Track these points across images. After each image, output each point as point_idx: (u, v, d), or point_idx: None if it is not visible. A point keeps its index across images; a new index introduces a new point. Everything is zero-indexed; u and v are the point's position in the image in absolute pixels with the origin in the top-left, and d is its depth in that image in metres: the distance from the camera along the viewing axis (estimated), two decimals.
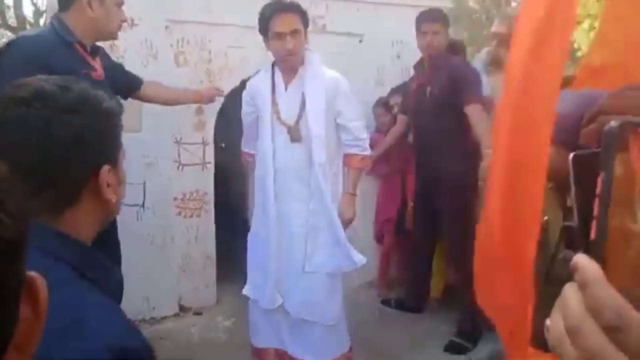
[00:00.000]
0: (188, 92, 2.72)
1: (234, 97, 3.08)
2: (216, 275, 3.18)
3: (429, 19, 2.82)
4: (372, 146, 3.37)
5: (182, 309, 3.10)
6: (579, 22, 9.15)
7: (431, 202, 2.91)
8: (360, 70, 3.38)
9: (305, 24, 2.18)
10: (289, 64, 2.19)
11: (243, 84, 3.08)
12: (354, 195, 2.33)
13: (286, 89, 2.23)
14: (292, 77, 2.21)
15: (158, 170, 2.95)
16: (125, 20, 2.16)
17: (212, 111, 3.02)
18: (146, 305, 2.96)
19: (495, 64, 3.00)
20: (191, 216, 3.09)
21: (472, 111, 2.66)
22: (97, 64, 2.06)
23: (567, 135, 1.37)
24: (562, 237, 1.41)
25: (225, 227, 3.30)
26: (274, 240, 2.23)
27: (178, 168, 3.03)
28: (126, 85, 2.34)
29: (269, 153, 2.22)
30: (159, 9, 2.86)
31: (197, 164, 3.09)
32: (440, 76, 2.76)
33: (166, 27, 2.91)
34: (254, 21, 3.02)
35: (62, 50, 1.93)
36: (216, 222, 3.19)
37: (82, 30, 1.99)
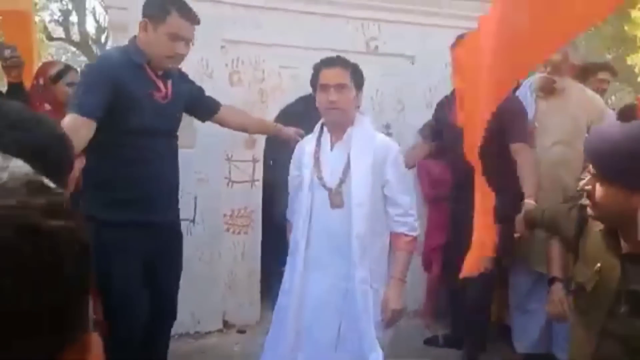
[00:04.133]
0: (267, 124, 2.75)
1: (284, 117, 3.12)
2: (261, 293, 3.18)
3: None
4: (420, 173, 3.35)
5: (226, 325, 3.11)
6: None
7: (463, 238, 2.81)
8: (411, 91, 3.36)
9: (357, 83, 2.04)
10: (331, 119, 2.04)
11: (292, 105, 3.13)
12: (403, 281, 2.03)
13: (332, 148, 2.07)
14: (340, 137, 2.05)
15: (209, 186, 3.00)
16: (183, 54, 2.12)
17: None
18: (191, 320, 2.99)
19: (547, 90, 2.90)
20: (239, 233, 3.12)
21: (519, 151, 2.54)
22: (165, 86, 2.11)
23: (617, 172, 1.27)
24: (626, 301, 1.31)
25: (271, 244, 3.31)
26: (292, 316, 2.02)
27: (228, 185, 3.08)
28: (204, 108, 2.43)
29: (305, 217, 2.02)
30: (216, 29, 2.93)
31: (247, 181, 3.13)
32: None
33: (222, 47, 2.99)
34: (306, 41, 3.10)
35: (130, 70, 2.02)
36: (262, 238, 3.20)
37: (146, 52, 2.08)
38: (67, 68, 2.69)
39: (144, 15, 2.07)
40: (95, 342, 0.42)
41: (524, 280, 2.89)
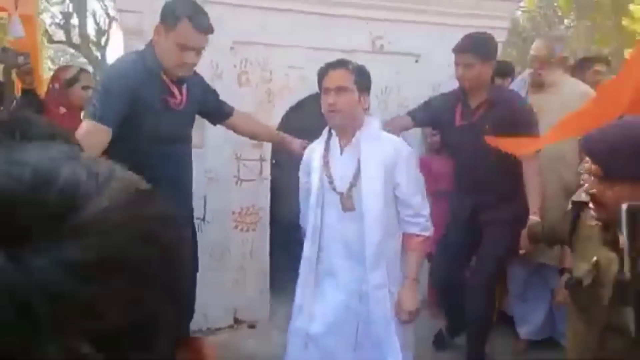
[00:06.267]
0: (274, 133, 2.74)
1: (290, 116, 3.18)
2: (271, 289, 3.24)
3: (457, 49, 2.58)
4: (422, 169, 3.39)
5: (237, 321, 3.17)
6: None
7: (468, 235, 2.75)
8: (416, 90, 3.40)
9: (362, 85, 2.00)
10: (333, 123, 2.03)
11: (300, 104, 3.19)
12: (416, 281, 2.02)
13: (342, 153, 2.04)
14: (349, 141, 2.02)
15: (219, 185, 3.06)
16: (192, 63, 2.09)
17: None
18: (202, 316, 3.04)
19: (536, 85, 2.94)
20: (247, 230, 3.18)
21: (527, 159, 2.51)
22: (180, 92, 2.11)
23: (621, 167, 1.29)
24: (614, 289, 1.33)
25: (278, 240, 3.36)
26: (305, 321, 2.03)
27: (237, 183, 3.14)
28: (216, 113, 2.44)
29: (316, 222, 2.02)
30: (225, 31, 2.98)
31: (255, 180, 3.19)
32: (493, 115, 2.54)
33: (231, 48, 3.04)
34: (313, 42, 3.15)
35: (146, 77, 2.01)
36: (270, 234, 3.26)
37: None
38: (81, 71, 2.74)
39: (160, 19, 2.05)
40: (207, 345, 0.42)
41: (521, 271, 2.96)
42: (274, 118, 3.12)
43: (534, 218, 2.40)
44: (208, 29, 2.06)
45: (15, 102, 2.43)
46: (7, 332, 0.26)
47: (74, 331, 0.28)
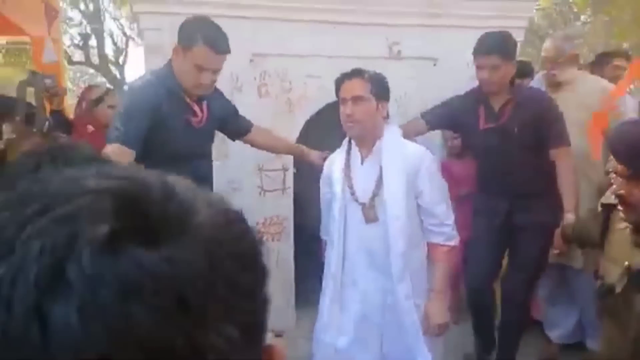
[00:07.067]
0: (293, 146, 2.74)
1: (311, 126, 3.20)
2: (296, 298, 3.25)
3: (480, 50, 2.45)
4: (443, 173, 3.36)
5: None
6: None
7: (500, 242, 2.67)
8: (435, 93, 3.39)
9: (379, 94, 1.97)
10: (352, 134, 2.02)
11: (320, 113, 3.21)
12: (445, 293, 1.99)
13: (362, 162, 2.02)
14: (370, 150, 2.00)
15: (243, 195, 3.09)
16: (210, 84, 2.09)
17: (290, 140, 3.13)
18: None
19: (552, 84, 2.90)
20: (272, 240, 3.20)
21: (560, 156, 2.44)
22: (200, 110, 2.12)
23: None
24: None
25: (302, 250, 3.38)
26: (331, 335, 2.02)
27: (260, 193, 3.17)
28: (235, 129, 2.46)
29: (339, 234, 2.00)
30: (244, 44, 3.03)
31: (278, 190, 3.21)
32: (521, 115, 2.47)
33: (250, 60, 3.08)
34: (329, 51, 3.18)
35: (167, 97, 2.03)
36: (294, 244, 3.28)
37: None
38: (107, 91, 2.82)
39: (177, 40, 2.06)
40: (279, 350, 0.43)
41: (549, 274, 2.91)
42: (295, 128, 3.15)
43: (569, 216, 2.33)
44: (225, 50, 2.05)
45: (47, 123, 2.51)
46: (172, 324, 0.28)
47: (227, 320, 0.31)
